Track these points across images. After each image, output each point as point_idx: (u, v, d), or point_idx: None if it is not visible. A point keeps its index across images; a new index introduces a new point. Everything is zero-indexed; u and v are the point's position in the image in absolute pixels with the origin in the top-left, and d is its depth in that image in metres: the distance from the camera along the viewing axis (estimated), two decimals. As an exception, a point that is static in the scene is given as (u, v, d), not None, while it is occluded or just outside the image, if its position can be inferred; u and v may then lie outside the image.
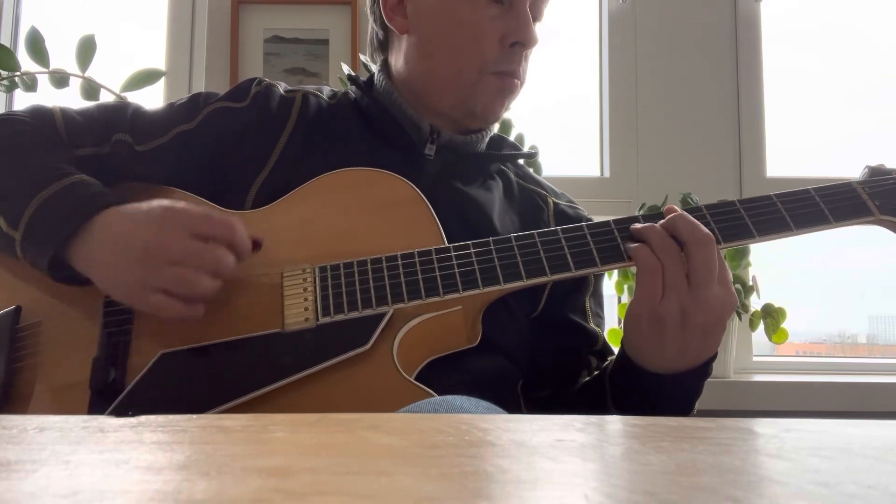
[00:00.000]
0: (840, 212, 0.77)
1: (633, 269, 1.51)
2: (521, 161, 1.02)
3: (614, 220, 0.77)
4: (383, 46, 0.97)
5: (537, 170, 1.41)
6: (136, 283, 0.69)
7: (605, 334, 0.96)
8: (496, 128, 0.98)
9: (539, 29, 0.92)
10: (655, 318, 0.72)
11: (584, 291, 0.93)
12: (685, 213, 0.75)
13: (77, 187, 0.76)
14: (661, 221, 0.74)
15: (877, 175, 0.81)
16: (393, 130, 0.89)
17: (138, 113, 0.88)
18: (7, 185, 0.78)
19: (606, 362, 0.91)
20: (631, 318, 0.75)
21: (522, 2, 0.86)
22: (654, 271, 0.71)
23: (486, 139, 0.95)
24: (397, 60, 0.93)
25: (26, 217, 0.74)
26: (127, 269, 0.70)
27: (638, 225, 0.75)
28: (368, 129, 0.90)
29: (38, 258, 0.74)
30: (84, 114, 0.88)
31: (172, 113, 0.88)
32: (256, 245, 0.75)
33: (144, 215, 0.72)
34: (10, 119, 0.85)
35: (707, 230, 0.72)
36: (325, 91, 0.95)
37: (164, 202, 0.73)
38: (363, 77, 0.97)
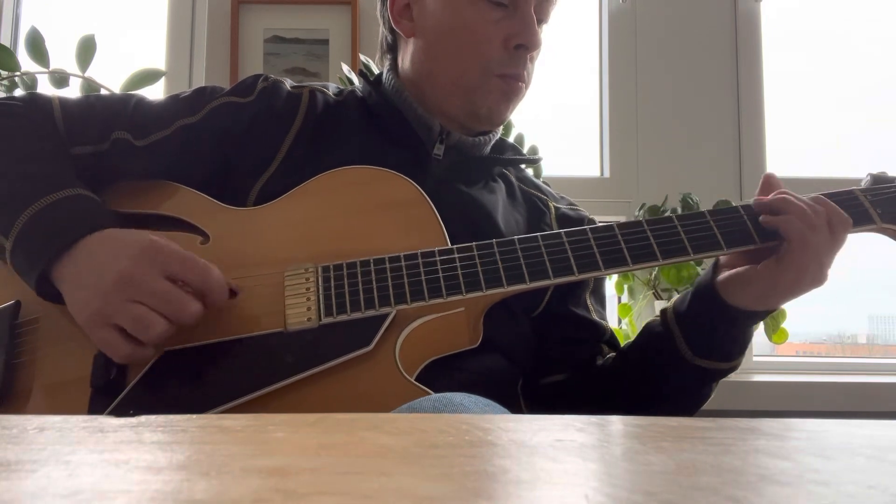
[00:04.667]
0: None
1: (633, 271, 1.51)
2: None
3: (618, 224, 0.77)
4: (392, 49, 0.97)
5: (537, 170, 1.41)
6: (96, 314, 0.68)
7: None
8: (500, 130, 0.98)
9: (545, 30, 0.92)
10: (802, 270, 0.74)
11: (584, 288, 0.94)
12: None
13: (67, 204, 0.74)
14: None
15: (879, 183, 0.81)
16: (402, 129, 0.89)
17: (140, 105, 0.87)
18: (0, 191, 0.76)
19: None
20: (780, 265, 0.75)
21: (526, 4, 0.86)
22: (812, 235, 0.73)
23: (493, 142, 0.95)
24: (404, 63, 0.93)
25: (16, 229, 0.72)
26: (93, 297, 0.68)
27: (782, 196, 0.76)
28: (376, 127, 0.90)
29: (27, 275, 0.73)
30: (84, 107, 0.85)
31: (176, 105, 0.87)
32: (233, 294, 0.73)
33: (125, 246, 0.70)
34: (6, 110, 0.82)
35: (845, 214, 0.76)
36: (332, 88, 0.95)
37: (151, 236, 0.71)
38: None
